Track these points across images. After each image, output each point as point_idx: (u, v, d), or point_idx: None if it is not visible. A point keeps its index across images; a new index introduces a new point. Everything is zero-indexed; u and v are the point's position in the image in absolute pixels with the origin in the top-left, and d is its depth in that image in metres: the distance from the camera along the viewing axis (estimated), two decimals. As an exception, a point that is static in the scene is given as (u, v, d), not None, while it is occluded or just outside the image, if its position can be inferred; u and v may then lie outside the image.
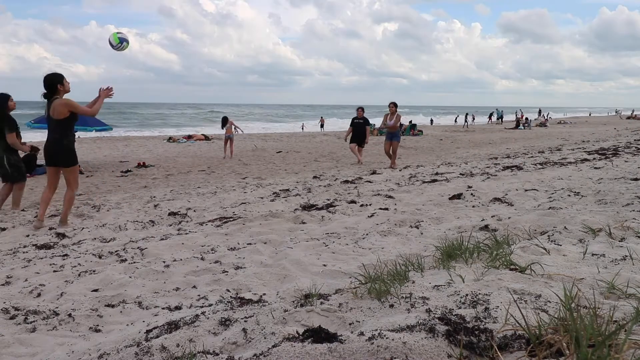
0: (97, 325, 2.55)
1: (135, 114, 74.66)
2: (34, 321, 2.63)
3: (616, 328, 1.41)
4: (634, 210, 3.71)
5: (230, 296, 2.75)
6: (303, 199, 6.43)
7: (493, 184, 6.43)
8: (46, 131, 5.84)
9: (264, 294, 2.68)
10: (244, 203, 6.53)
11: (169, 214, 6.00)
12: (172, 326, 2.05)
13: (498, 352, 1.47)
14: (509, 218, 3.97)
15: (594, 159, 9.04)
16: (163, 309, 2.70)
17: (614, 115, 70.54)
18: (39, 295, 3.10)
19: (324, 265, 3.28)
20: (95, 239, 4.88)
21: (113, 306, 2.81)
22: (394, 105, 12.67)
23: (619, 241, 2.77)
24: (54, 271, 3.63)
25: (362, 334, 1.59)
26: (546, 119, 49.97)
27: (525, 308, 1.74)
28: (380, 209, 5.15)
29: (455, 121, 50.08)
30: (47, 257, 4.12)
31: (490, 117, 50.82)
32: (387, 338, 1.53)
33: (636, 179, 5.50)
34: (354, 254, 3.53)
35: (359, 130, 13.89)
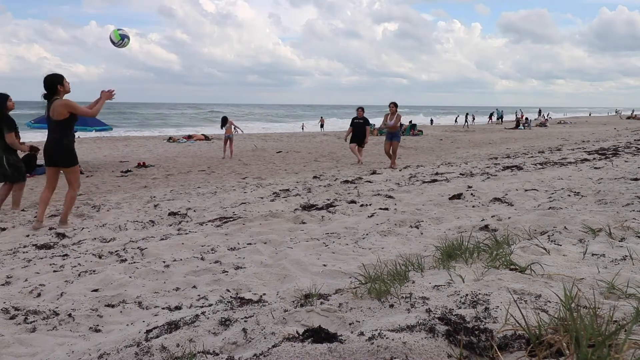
0: (97, 325, 2.55)
1: (135, 114, 74.67)
2: (34, 321, 2.63)
3: (616, 328, 1.41)
4: (634, 210, 3.71)
5: (230, 296, 2.75)
6: (303, 199, 6.43)
7: (493, 184, 6.43)
8: (46, 131, 5.85)
9: (264, 294, 2.68)
10: (244, 203, 6.53)
11: (169, 214, 6.00)
12: (172, 326, 2.05)
13: (498, 352, 1.47)
14: (509, 218, 3.97)
15: (594, 159, 9.04)
16: (163, 309, 2.70)
17: (614, 115, 70.54)
18: (39, 295, 3.10)
19: (324, 265, 3.28)
20: (95, 239, 4.88)
21: (113, 306, 2.81)
22: (394, 105, 12.67)
23: (619, 241, 2.77)
24: (54, 271, 3.63)
25: (362, 334, 1.59)
26: (546, 119, 49.98)
27: (525, 308, 1.74)
28: (380, 209, 5.15)
29: (456, 121, 50.09)
30: (47, 257, 4.12)
31: (490, 117, 50.83)
32: (387, 338, 1.53)
33: (636, 179, 5.50)
34: (354, 254, 3.53)
35: (359, 130, 13.89)
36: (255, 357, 1.59)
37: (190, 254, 3.84)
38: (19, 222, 6.08)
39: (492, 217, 4.20)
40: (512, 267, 2.28)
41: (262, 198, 7.03)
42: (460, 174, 8.17)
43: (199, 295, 2.87)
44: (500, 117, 49.17)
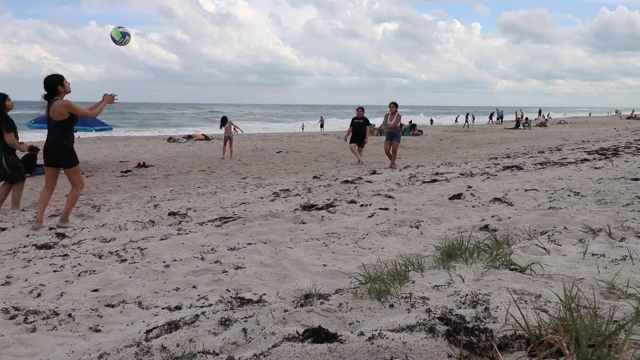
0: (97, 325, 2.55)
1: (135, 114, 74.67)
2: (34, 321, 2.63)
3: (616, 328, 1.41)
4: (634, 210, 3.71)
5: (230, 296, 2.75)
6: (303, 199, 6.43)
7: (493, 184, 6.43)
8: (46, 131, 5.85)
9: (264, 294, 2.68)
10: (244, 203, 6.53)
11: (169, 214, 6.00)
12: (172, 326, 2.05)
13: (498, 352, 1.47)
14: (509, 218, 3.97)
15: (594, 159, 9.04)
16: (163, 309, 2.70)
17: (614, 115, 70.52)
18: (39, 295, 3.10)
19: (324, 265, 3.28)
20: (95, 239, 4.88)
21: (113, 306, 2.81)
22: (394, 105, 12.67)
23: (619, 241, 2.77)
24: (54, 271, 3.63)
25: (362, 334, 1.59)
26: (546, 119, 49.98)
27: (525, 308, 1.74)
28: (380, 209, 5.15)
29: (456, 121, 50.10)
30: (47, 257, 4.12)
31: (490, 117, 50.84)
32: (387, 338, 1.53)
33: (636, 179, 5.50)
34: (354, 254, 3.53)
35: (359, 130, 13.89)
36: (255, 357, 1.59)
37: (190, 254, 3.84)
38: (19, 222, 6.08)
39: (492, 217, 4.20)
40: (512, 267, 2.28)
41: (262, 198, 7.03)
42: (460, 174, 8.17)
43: (199, 295, 2.87)
44: (500, 117, 49.17)
